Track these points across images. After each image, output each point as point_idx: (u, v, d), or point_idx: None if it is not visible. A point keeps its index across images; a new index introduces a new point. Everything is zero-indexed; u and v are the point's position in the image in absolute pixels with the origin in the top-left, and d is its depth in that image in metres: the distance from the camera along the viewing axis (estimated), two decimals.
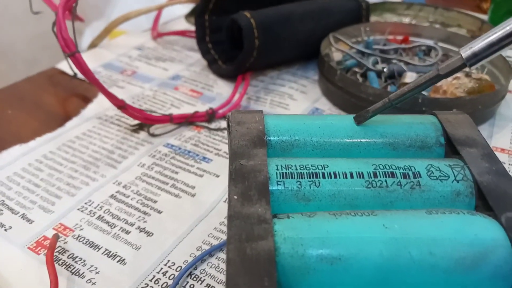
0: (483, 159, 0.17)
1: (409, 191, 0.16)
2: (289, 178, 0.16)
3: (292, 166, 0.16)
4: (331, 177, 0.16)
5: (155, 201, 0.25)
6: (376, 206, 0.16)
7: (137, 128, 0.31)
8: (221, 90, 0.36)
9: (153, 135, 0.30)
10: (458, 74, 0.33)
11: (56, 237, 0.21)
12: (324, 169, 0.16)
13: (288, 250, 0.13)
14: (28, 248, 0.22)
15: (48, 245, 0.21)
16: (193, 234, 0.23)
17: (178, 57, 0.42)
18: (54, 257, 0.21)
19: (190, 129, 0.31)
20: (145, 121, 0.30)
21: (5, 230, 0.23)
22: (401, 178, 0.16)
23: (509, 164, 0.29)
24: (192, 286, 0.20)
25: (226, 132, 0.28)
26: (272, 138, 0.18)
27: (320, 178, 0.16)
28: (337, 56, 0.38)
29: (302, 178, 0.16)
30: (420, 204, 0.16)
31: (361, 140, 0.18)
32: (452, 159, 0.17)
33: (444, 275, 0.13)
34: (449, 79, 0.32)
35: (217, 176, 0.27)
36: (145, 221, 0.23)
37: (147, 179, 0.26)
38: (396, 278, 0.13)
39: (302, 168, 0.16)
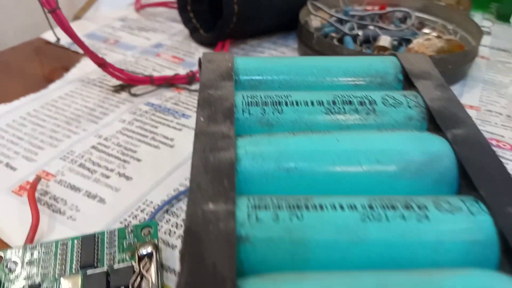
0: (436, 89, 0.18)
1: (365, 116, 0.17)
2: (254, 106, 0.17)
3: (257, 96, 0.17)
4: (293, 105, 0.17)
5: (135, 151, 0.26)
6: (334, 130, 0.17)
7: (119, 89, 0.32)
8: None
9: (134, 95, 0.31)
10: (429, 36, 0.34)
11: (38, 179, 0.22)
12: (287, 98, 0.17)
13: (248, 161, 0.15)
14: (12, 191, 0.23)
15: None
16: (170, 178, 0.24)
17: (160, 28, 0.43)
18: (36, 199, 0.22)
19: (171, 90, 0.32)
20: (125, 81, 0.31)
21: None
22: (358, 105, 0.17)
23: (476, 119, 0.30)
24: (168, 220, 0.21)
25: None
26: (240, 76, 0.19)
27: (283, 106, 0.17)
28: (315, 23, 0.39)
29: (266, 106, 0.17)
30: (375, 128, 0.17)
31: (325, 78, 0.19)
32: (407, 90, 0.18)
33: (390, 180, 0.15)
34: (420, 39, 0.34)
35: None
36: (124, 168, 0.24)
37: (127, 133, 0.27)
38: (346, 184, 0.14)
39: (266, 98, 0.17)
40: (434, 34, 0.38)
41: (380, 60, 0.20)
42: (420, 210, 0.13)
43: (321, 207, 0.13)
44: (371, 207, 0.13)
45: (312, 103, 0.17)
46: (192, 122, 0.29)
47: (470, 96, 0.33)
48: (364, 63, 0.20)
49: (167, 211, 0.22)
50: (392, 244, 0.12)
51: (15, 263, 0.18)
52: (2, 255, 0.18)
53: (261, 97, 0.17)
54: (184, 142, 0.27)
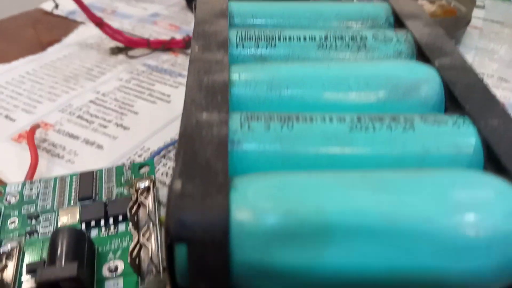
0: (425, 27, 0.19)
1: (356, 51, 0.18)
2: (247, 40, 0.18)
3: (251, 31, 0.18)
4: (286, 40, 0.18)
5: (132, 106, 0.26)
6: None
7: (116, 52, 0.32)
8: None
9: (131, 57, 0.32)
10: (422, 1, 0.34)
11: (36, 125, 0.23)
12: (280, 34, 0.18)
13: (241, 84, 0.15)
14: (11, 139, 0.23)
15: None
16: (167, 128, 0.24)
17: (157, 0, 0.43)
18: (35, 145, 0.22)
19: (167, 54, 0.33)
20: (123, 42, 0.31)
21: None
22: (350, 40, 0.18)
23: None
24: (165, 163, 0.22)
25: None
26: (235, 19, 0.20)
27: (276, 40, 0.18)
28: None
29: (260, 40, 0.18)
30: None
31: (318, 21, 0.20)
32: (398, 29, 0.19)
33: (378, 103, 0.15)
34: None
35: None
36: (122, 119, 0.25)
37: (124, 90, 0.28)
38: (336, 106, 0.15)
39: (260, 33, 0.18)
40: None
41: (372, 4, 0.21)
42: (406, 122, 0.13)
43: (311, 119, 0.13)
44: (359, 119, 0.13)
45: (305, 38, 0.18)
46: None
47: None
48: (356, 7, 0.20)
49: (164, 156, 0.22)
50: (379, 152, 0.13)
51: (14, 196, 0.19)
52: (2, 190, 0.19)
53: (254, 33, 0.18)
54: (181, 98, 0.27)
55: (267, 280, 0.10)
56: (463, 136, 0.13)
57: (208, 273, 0.10)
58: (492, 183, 0.11)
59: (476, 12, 0.42)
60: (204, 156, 0.12)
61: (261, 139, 0.13)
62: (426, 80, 0.15)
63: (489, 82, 0.31)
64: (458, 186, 0.11)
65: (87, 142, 0.23)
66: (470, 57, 0.34)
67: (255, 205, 0.11)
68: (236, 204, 0.11)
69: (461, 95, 0.15)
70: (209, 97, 0.14)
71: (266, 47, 0.17)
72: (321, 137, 0.13)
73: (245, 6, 0.20)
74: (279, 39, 0.18)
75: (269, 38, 0.18)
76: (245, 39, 0.18)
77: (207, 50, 0.16)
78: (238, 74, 0.15)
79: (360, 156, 0.13)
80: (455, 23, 0.33)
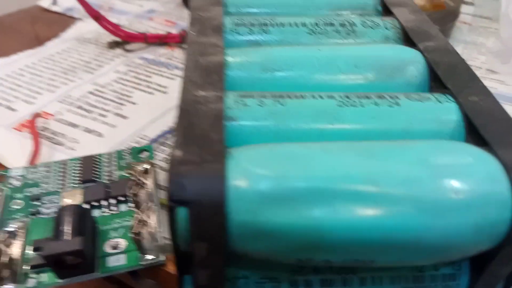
0: (411, 13, 0.19)
1: (345, 36, 0.18)
2: (242, 26, 0.18)
3: (244, 18, 0.19)
4: (278, 26, 0.18)
5: (130, 96, 0.27)
6: None
7: (113, 46, 0.33)
8: None
9: (128, 51, 0.32)
10: None
11: (38, 114, 0.23)
12: (273, 20, 0.19)
13: (236, 66, 0.16)
14: (13, 128, 0.24)
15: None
16: (165, 118, 0.25)
17: None
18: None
19: (164, 48, 0.33)
20: (120, 36, 0.32)
21: None
22: (339, 26, 0.19)
23: None
24: (163, 150, 0.22)
25: None
26: (229, 8, 0.20)
27: (268, 26, 0.18)
28: None
29: (253, 26, 0.18)
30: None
31: (309, 9, 0.21)
32: (385, 16, 0.20)
33: (366, 83, 0.16)
34: None
35: None
36: (120, 109, 0.26)
37: (122, 82, 0.28)
38: (326, 86, 0.16)
39: (253, 20, 0.19)
40: None
41: None
42: (392, 99, 0.14)
43: (302, 96, 0.14)
44: (347, 97, 0.14)
45: (296, 25, 0.18)
46: None
47: None
48: None
49: (162, 143, 0.23)
50: (366, 126, 0.14)
51: (18, 180, 0.19)
52: (5, 174, 0.20)
53: (248, 20, 0.19)
54: (177, 89, 0.28)
55: (261, 239, 0.11)
56: (445, 111, 0.14)
57: (207, 233, 0.11)
58: (471, 150, 0.12)
59: (466, 8, 0.43)
60: (201, 128, 0.12)
61: (255, 115, 0.14)
62: (411, 61, 0.16)
63: (478, 73, 0.32)
64: (440, 152, 0.12)
65: (87, 130, 0.24)
66: (459, 50, 0.35)
67: (249, 171, 0.11)
68: (232, 170, 0.11)
69: (443, 74, 0.15)
70: (205, 76, 0.15)
71: (260, 33, 0.18)
72: (312, 112, 0.14)
73: None
74: (272, 25, 0.18)
75: (263, 25, 0.18)
76: (239, 25, 0.18)
77: (203, 34, 0.17)
78: (233, 57, 0.16)
79: (348, 129, 0.14)
80: (443, 17, 0.34)
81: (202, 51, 0.16)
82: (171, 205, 0.11)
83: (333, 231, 0.11)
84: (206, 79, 0.14)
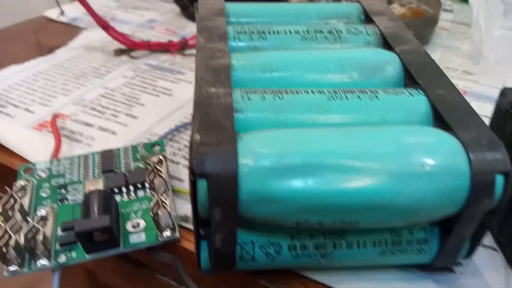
0: (389, 21, 0.22)
1: (333, 42, 0.21)
2: (243, 34, 0.21)
3: (245, 27, 0.21)
4: (275, 34, 0.21)
5: (138, 99, 0.29)
6: None
7: (119, 53, 0.35)
8: (193, 30, 0.41)
9: (133, 57, 0.35)
10: (393, 4, 0.39)
11: (57, 114, 0.26)
12: (269, 29, 0.21)
13: (240, 68, 0.18)
14: (33, 127, 0.26)
15: (49, 124, 0.26)
16: (172, 117, 0.28)
17: (152, 7, 0.46)
18: None
19: (166, 55, 0.36)
20: (125, 44, 0.35)
21: (11, 117, 0.27)
22: (327, 33, 0.21)
23: None
24: (172, 145, 0.25)
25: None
26: (230, 18, 0.23)
27: (266, 34, 0.21)
28: None
29: (253, 34, 0.21)
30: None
31: (300, 18, 0.24)
32: (367, 24, 0.23)
33: (350, 81, 0.19)
34: None
35: (191, 82, 0.32)
36: (130, 110, 0.28)
37: (130, 86, 0.31)
38: (316, 83, 0.18)
39: (253, 28, 0.21)
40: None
41: (346, 4, 0.24)
42: (372, 93, 0.17)
43: (297, 92, 0.17)
44: (335, 92, 0.17)
45: (290, 32, 0.21)
46: (187, 77, 0.32)
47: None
48: (333, 7, 0.24)
49: (170, 139, 0.25)
50: (350, 115, 0.16)
51: (44, 172, 0.22)
52: (33, 166, 0.22)
53: (248, 28, 0.21)
54: (181, 92, 0.30)
55: (265, 204, 0.14)
56: (416, 102, 0.17)
57: (223, 201, 0.14)
58: (436, 132, 0.15)
59: (445, 15, 0.46)
60: (215, 117, 0.15)
61: (258, 107, 0.16)
62: (389, 62, 0.19)
63: (454, 75, 0.35)
64: (410, 134, 0.15)
65: (101, 129, 0.26)
66: (438, 54, 0.38)
67: (255, 150, 0.14)
68: (242, 149, 0.14)
69: (415, 72, 0.18)
70: (215, 76, 0.17)
71: (258, 39, 0.21)
72: (305, 104, 0.16)
73: (239, 7, 0.24)
74: (269, 33, 0.21)
75: (261, 32, 0.21)
76: (240, 33, 0.21)
77: (210, 41, 0.20)
78: (237, 60, 0.19)
79: (335, 118, 0.16)
80: (423, 24, 0.37)
81: (211, 55, 0.19)
82: (194, 178, 0.13)
83: (324, 197, 0.14)
84: (216, 78, 0.17)
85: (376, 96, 0.17)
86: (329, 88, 0.17)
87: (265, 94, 0.17)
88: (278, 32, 0.21)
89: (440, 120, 0.16)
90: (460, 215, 0.15)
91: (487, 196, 0.14)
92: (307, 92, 0.17)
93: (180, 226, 0.20)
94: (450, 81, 0.18)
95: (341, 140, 0.14)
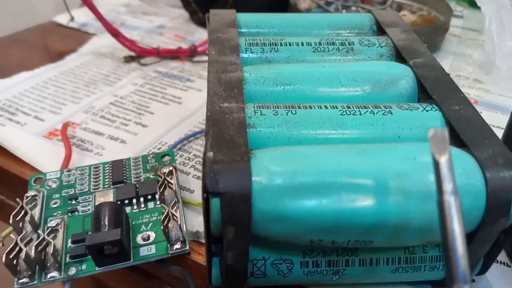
0: (403, 33, 0.22)
1: (345, 53, 0.21)
2: (254, 46, 0.21)
3: (257, 39, 0.21)
4: (287, 45, 0.21)
5: (148, 107, 0.29)
6: None
7: (129, 60, 0.35)
8: (202, 36, 0.41)
9: (143, 64, 0.35)
10: (404, 11, 0.38)
11: (67, 123, 0.26)
12: (282, 40, 0.21)
13: (252, 81, 0.18)
14: (43, 136, 0.26)
15: (59, 132, 0.26)
16: (181, 126, 0.27)
17: (161, 12, 0.46)
18: None
19: (175, 61, 0.36)
20: (135, 51, 0.35)
21: (21, 125, 0.27)
22: (339, 45, 0.21)
23: None
24: (182, 155, 0.25)
25: (207, 63, 0.33)
26: (242, 29, 0.23)
27: (278, 46, 0.21)
28: (304, 5, 0.43)
29: (265, 46, 0.21)
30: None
31: (312, 29, 0.23)
32: (379, 36, 0.22)
33: (363, 94, 0.18)
34: None
35: (200, 90, 0.32)
36: (140, 118, 0.28)
37: (140, 93, 0.31)
38: (329, 97, 0.18)
39: (265, 40, 0.21)
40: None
41: (358, 15, 0.24)
42: (386, 108, 0.17)
43: (310, 107, 0.17)
44: (348, 107, 0.17)
45: (302, 44, 0.21)
46: (196, 85, 0.32)
47: (442, 65, 0.37)
48: (345, 18, 0.24)
49: (180, 149, 0.25)
50: (363, 131, 0.16)
51: (54, 182, 0.22)
52: (43, 177, 0.22)
53: (260, 40, 0.21)
54: (191, 100, 0.30)
55: (278, 224, 0.14)
56: (430, 118, 0.17)
57: (236, 220, 0.13)
58: (452, 151, 0.15)
59: (455, 21, 0.46)
60: (228, 133, 0.15)
61: (271, 123, 0.16)
62: (402, 76, 0.19)
63: (465, 83, 0.35)
64: (425, 152, 0.14)
65: (111, 138, 0.26)
66: (448, 62, 0.38)
67: (269, 169, 0.14)
68: (255, 167, 0.14)
69: (430, 87, 0.18)
70: (228, 90, 0.17)
71: (271, 51, 0.21)
72: (318, 120, 0.16)
73: (250, 18, 0.23)
74: (281, 44, 0.21)
75: (273, 44, 0.21)
76: (252, 45, 0.21)
77: (222, 54, 0.20)
78: (249, 73, 0.19)
79: (349, 134, 0.16)
80: (434, 31, 0.37)
81: (223, 69, 0.18)
82: (207, 196, 0.13)
83: (338, 216, 0.13)
84: (228, 93, 0.17)
85: (390, 112, 0.17)
86: (343, 103, 0.17)
87: (278, 109, 0.17)
88: (290, 44, 0.21)
89: (455, 137, 0.16)
90: (475, 234, 0.15)
91: (502, 215, 0.14)
92: (320, 107, 0.17)
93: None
94: (465, 97, 0.18)
95: (355, 159, 0.14)
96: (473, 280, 0.18)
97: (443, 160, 0.11)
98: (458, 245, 0.10)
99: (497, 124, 0.29)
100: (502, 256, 0.19)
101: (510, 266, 0.19)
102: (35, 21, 0.44)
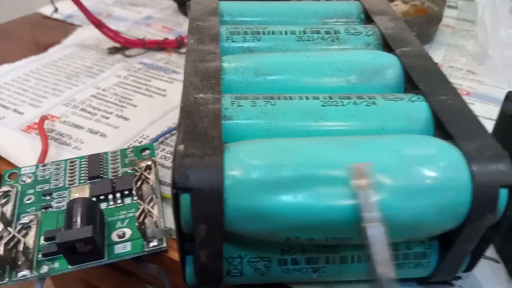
0: (390, 21, 0.21)
1: (330, 42, 0.20)
2: (236, 34, 0.20)
3: (238, 27, 0.20)
4: (270, 34, 0.20)
5: (131, 99, 0.29)
6: None
7: (113, 51, 0.34)
8: None
9: (127, 56, 0.34)
10: (396, 2, 0.37)
11: (45, 116, 0.25)
12: (264, 29, 0.20)
13: (231, 71, 0.18)
14: (21, 130, 0.25)
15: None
16: (164, 119, 0.27)
17: (150, 3, 0.45)
18: None
19: (161, 53, 0.35)
20: (120, 43, 0.34)
21: None
22: (325, 34, 0.20)
23: None
24: (163, 149, 0.24)
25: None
26: (224, 17, 0.22)
27: (261, 34, 0.20)
28: None
29: (246, 34, 0.20)
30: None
31: (298, 18, 0.23)
32: (367, 24, 0.22)
33: (348, 85, 0.18)
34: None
35: None
36: (122, 111, 0.27)
37: (123, 86, 0.30)
38: (312, 88, 0.17)
39: (247, 29, 0.20)
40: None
41: (346, 3, 0.23)
42: (370, 99, 0.16)
43: (290, 97, 0.16)
44: (330, 98, 0.16)
45: (286, 33, 0.20)
46: (182, 77, 0.31)
47: (435, 56, 0.36)
48: (332, 6, 0.23)
49: (162, 142, 0.25)
50: (346, 123, 0.16)
51: (29, 177, 0.21)
52: (18, 172, 0.21)
53: (242, 28, 0.20)
54: (176, 92, 0.30)
55: (253, 221, 0.13)
56: (416, 109, 0.16)
57: (207, 216, 0.13)
58: (437, 143, 0.14)
59: (449, 12, 0.45)
60: (201, 126, 0.14)
61: (249, 114, 0.15)
62: (389, 65, 0.18)
63: (458, 74, 0.34)
64: (409, 144, 0.14)
65: (91, 131, 0.25)
66: (441, 53, 0.37)
67: (243, 162, 0.13)
68: (229, 161, 0.13)
69: (417, 77, 0.17)
70: (204, 80, 0.16)
71: (253, 40, 0.20)
72: (299, 111, 0.16)
73: (234, 5, 0.23)
74: (264, 33, 0.20)
75: (255, 33, 0.20)
76: (234, 33, 0.20)
77: (201, 43, 0.19)
78: (229, 63, 0.18)
79: (330, 126, 0.15)
80: (427, 22, 0.36)
81: (201, 58, 0.18)
82: (176, 192, 0.13)
83: (316, 212, 0.13)
84: (205, 83, 0.16)
85: (374, 102, 0.16)
86: (324, 94, 0.16)
87: (256, 100, 0.16)
88: (273, 33, 0.20)
89: (441, 129, 0.15)
90: (461, 230, 0.14)
91: (490, 211, 0.13)
92: (301, 98, 0.16)
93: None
94: (454, 87, 0.17)
95: (336, 151, 0.13)
96: (460, 277, 0.17)
97: (361, 191, 0.12)
98: (381, 272, 0.11)
99: (489, 116, 0.28)
100: (491, 252, 0.19)
101: (499, 262, 0.18)
102: (22, 12, 0.43)
